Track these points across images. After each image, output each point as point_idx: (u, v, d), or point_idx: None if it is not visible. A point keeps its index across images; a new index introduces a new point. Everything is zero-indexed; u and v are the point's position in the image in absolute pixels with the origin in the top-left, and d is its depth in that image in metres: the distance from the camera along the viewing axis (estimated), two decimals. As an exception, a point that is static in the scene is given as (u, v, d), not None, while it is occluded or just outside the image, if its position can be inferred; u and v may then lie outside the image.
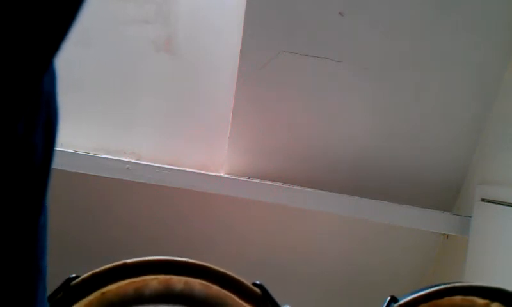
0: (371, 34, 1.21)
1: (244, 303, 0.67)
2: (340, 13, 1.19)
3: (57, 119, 0.39)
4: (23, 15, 0.29)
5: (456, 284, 0.70)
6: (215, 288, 0.66)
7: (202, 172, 1.22)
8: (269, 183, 1.24)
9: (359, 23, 1.20)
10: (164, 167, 1.20)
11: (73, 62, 1.28)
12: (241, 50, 1.23)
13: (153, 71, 1.32)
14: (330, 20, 1.19)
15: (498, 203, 1.10)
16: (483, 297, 0.67)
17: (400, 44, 1.21)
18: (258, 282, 0.69)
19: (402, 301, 0.70)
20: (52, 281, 0.51)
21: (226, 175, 1.26)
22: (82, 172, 1.18)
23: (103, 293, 0.61)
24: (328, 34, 1.21)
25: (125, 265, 0.64)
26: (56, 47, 0.33)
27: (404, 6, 1.18)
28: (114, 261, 0.66)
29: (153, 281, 0.64)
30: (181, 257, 0.68)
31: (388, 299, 0.70)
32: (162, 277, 0.65)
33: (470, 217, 1.21)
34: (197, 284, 0.66)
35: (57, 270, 0.56)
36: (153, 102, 1.34)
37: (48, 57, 0.33)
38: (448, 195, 1.32)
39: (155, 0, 1.29)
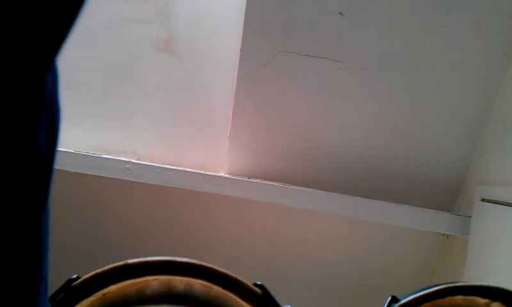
0: (371, 34, 1.21)
1: (245, 303, 0.67)
2: (340, 13, 1.19)
3: (59, 118, 0.39)
4: (25, 14, 0.29)
5: (457, 284, 0.70)
6: (216, 289, 0.66)
7: (202, 172, 1.22)
8: (269, 183, 1.24)
9: (359, 23, 1.20)
10: (164, 167, 1.20)
11: (73, 62, 1.27)
12: (241, 50, 1.22)
13: (153, 71, 1.32)
14: (330, 20, 1.19)
15: (498, 203, 1.10)
16: (484, 297, 0.68)
17: (400, 44, 1.21)
18: (259, 282, 0.69)
19: (403, 301, 0.70)
20: (52, 282, 0.51)
21: (226, 175, 1.26)
22: (82, 172, 1.18)
23: (104, 294, 0.61)
24: (328, 34, 1.21)
25: (126, 266, 0.64)
26: (57, 46, 0.33)
27: (404, 6, 1.18)
28: (114, 262, 0.66)
29: (154, 282, 0.64)
30: (181, 257, 0.68)
31: (389, 299, 0.70)
32: (163, 277, 0.65)
33: (470, 217, 1.21)
34: (198, 285, 0.66)
35: (57, 270, 0.56)
36: (153, 101, 1.34)
37: (51, 56, 0.33)
38: (448, 195, 1.32)
39: (155, 0, 1.29)
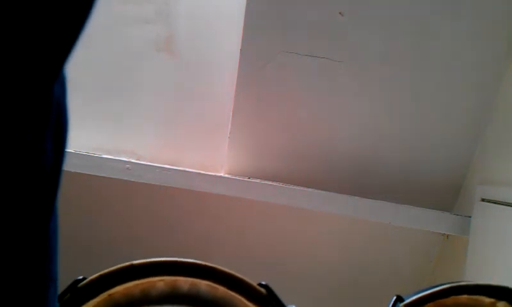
0: (371, 34, 1.21)
1: (250, 304, 0.67)
2: (340, 13, 1.19)
3: (67, 125, 0.39)
4: (35, 24, 0.29)
5: (462, 283, 0.70)
6: (221, 289, 0.66)
7: (202, 172, 1.22)
8: (269, 183, 1.24)
9: (359, 23, 1.20)
10: (164, 167, 1.20)
11: (73, 62, 1.27)
12: (241, 50, 1.22)
13: (153, 71, 1.32)
14: (330, 20, 1.19)
15: (498, 203, 1.11)
16: (489, 296, 0.68)
17: (400, 44, 1.21)
18: (263, 282, 0.69)
19: (408, 300, 0.70)
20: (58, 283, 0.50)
21: (226, 175, 1.25)
22: (82, 172, 1.17)
23: (110, 295, 0.61)
24: (328, 34, 1.21)
25: (131, 267, 0.63)
26: (66, 55, 0.33)
27: (404, 6, 1.18)
28: (115, 262, 0.66)
29: (159, 283, 0.64)
30: (183, 257, 0.68)
31: (394, 298, 0.70)
32: (168, 278, 0.65)
33: (470, 217, 1.21)
34: (203, 285, 0.66)
35: (59, 271, 0.56)
36: (153, 101, 1.33)
37: (59, 65, 0.33)
38: (448, 195, 1.32)
39: (155, 0, 1.29)
